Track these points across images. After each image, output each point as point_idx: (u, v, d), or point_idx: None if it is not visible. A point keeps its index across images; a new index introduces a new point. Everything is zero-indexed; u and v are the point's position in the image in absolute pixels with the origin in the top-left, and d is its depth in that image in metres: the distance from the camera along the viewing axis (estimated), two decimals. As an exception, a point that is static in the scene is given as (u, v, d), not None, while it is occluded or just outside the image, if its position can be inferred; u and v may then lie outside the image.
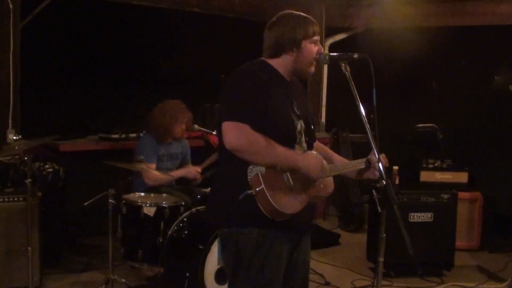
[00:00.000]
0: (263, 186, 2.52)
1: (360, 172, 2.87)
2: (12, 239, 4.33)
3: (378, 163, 2.60)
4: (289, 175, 2.59)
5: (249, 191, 2.54)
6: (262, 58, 2.77)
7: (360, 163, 2.83)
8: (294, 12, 2.75)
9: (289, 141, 2.67)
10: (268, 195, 2.51)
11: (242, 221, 2.64)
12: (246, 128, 2.50)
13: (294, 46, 2.67)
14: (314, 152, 2.72)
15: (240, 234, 2.66)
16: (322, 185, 2.67)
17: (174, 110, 4.90)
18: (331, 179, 2.75)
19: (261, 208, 2.53)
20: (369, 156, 2.81)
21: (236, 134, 2.51)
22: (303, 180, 2.63)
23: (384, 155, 2.76)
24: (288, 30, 2.68)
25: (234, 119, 2.52)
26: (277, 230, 2.65)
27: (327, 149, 3.08)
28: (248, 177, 2.56)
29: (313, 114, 2.97)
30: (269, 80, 2.66)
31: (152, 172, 4.68)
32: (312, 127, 2.83)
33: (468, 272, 5.41)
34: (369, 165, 2.81)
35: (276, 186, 2.55)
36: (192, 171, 4.98)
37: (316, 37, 2.72)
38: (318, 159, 2.64)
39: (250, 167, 2.56)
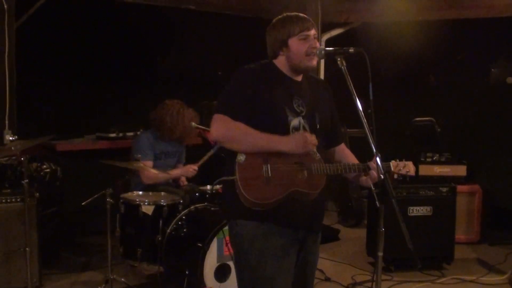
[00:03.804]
0: (236, 175, 2.62)
1: (357, 175, 2.85)
2: (10, 240, 4.32)
3: (376, 157, 2.59)
4: (269, 167, 2.64)
5: (224, 178, 2.69)
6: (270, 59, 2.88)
7: (356, 168, 2.78)
8: (288, 14, 2.83)
9: (280, 135, 2.69)
10: (239, 183, 2.61)
11: (238, 213, 2.71)
12: (226, 119, 2.65)
13: (282, 45, 2.78)
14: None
15: (237, 226, 2.75)
16: (307, 181, 2.65)
17: (183, 110, 4.95)
18: (320, 178, 2.72)
19: (239, 196, 2.63)
20: (368, 162, 2.76)
21: (217, 126, 2.68)
22: (284, 174, 2.65)
23: (412, 162, 2.87)
24: (275, 32, 2.80)
25: (218, 112, 2.69)
26: (272, 223, 2.69)
27: (346, 155, 3.03)
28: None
29: (332, 115, 2.96)
30: (268, 77, 2.75)
31: (151, 171, 4.67)
32: (319, 125, 2.80)
33: (468, 265, 5.41)
34: (367, 170, 2.76)
35: (252, 176, 2.63)
36: (189, 169, 4.98)
37: (306, 33, 2.74)
38: (299, 136, 2.64)
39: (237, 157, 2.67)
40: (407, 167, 2.89)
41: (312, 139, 2.63)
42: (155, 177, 4.79)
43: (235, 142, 2.66)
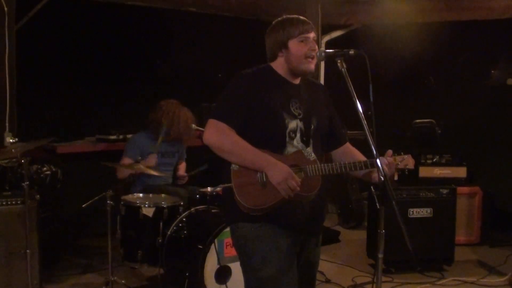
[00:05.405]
0: (232, 182, 2.65)
1: (367, 173, 2.83)
2: (11, 242, 4.31)
3: (376, 160, 2.59)
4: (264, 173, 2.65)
5: (221, 186, 2.73)
6: (269, 62, 2.89)
7: (352, 166, 2.74)
8: (287, 16, 2.84)
9: (278, 139, 2.72)
10: (235, 190, 2.64)
11: (238, 216, 2.72)
12: (221, 126, 2.65)
13: (282, 47, 2.79)
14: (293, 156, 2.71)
15: (238, 229, 2.76)
16: (303, 183, 2.63)
17: (178, 111, 5.00)
18: (316, 179, 2.71)
19: (236, 202, 2.65)
20: (372, 159, 2.70)
21: (211, 132, 2.68)
22: None
23: (410, 155, 2.85)
24: (275, 34, 2.81)
25: (214, 117, 2.69)
26: (272, 224, 2.70)
27: (350, 152, 3.01)
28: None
29: (331, 117, 2.96)
30: (265, 81, 2.76)
31: (123, 167, 4.79)
32: (314, 128, 2.80)
33: (469, 266, 5.41)
34: (368, 167, 2.73)
35: (247, 182, 2.65)
36: (151, 159, 4.89)
37: (305, 35, 2.75)
38: (286, 170, 2.60)
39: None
40: (406, 161, 2.85)
41: (294, 184, 2.59)
42: (125, 171, 4.86)
43: (225, 153, 2.68)
